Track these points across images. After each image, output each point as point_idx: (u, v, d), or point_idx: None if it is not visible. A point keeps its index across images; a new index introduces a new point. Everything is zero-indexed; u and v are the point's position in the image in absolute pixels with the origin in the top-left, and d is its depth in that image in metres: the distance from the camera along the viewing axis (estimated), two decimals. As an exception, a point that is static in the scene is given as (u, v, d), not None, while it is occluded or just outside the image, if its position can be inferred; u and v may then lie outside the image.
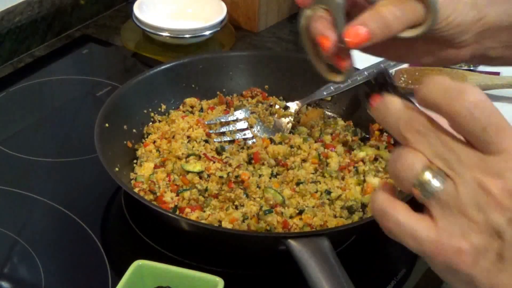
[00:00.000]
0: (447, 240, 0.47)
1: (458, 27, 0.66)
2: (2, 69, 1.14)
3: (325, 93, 0.99)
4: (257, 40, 1.24)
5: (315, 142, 0.93)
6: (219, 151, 0.91)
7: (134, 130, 0.94)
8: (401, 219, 0.48)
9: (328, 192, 0.85)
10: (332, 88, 0.98)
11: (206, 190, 0.84)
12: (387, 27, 0.62)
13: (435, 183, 0.47)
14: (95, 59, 1.21)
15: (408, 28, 0.63)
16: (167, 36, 1.17)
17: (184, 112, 0.98)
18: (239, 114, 0.97)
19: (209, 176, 0.86)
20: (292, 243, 0.71)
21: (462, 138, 0.47)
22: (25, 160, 0.96)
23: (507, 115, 1.06)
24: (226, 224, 0.80)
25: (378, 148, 0.92)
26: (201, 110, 0.98)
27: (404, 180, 0.48)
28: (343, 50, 0.64)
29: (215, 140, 0.93)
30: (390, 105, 0.49)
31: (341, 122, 0.99)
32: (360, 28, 0.61)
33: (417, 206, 0.49)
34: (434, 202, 0.47)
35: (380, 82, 0.54)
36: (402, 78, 1.07)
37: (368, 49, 0.68)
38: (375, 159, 0.91)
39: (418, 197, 0.48)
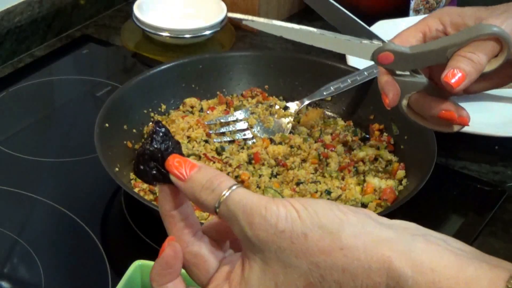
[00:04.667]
0: None
1: None
2: (2, 69, 1.14)
3: (325, 93, 0.98)
4: (257, 40, 1.23)
5: (315, 142, 0.93)
6: (219, 151, 0.91)
7: (134, 130, 0.94)
8: None
9: (328, 192, 0.85)
10: (332, 88, 0.98)
11: (206, 190, 0.84)
12: (477, 65, 0.70)
13: None
14: (95, 59, 1.21)
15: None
16: (167, 36, 1.17)
17: (184, 112, 0.98)
18: (239, 114, 0.97)
19: (209, 176, 0.86)
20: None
21: None
22: (25, 160, 0.96)
23: (507, 115, 1.05)
24: (226, 224, 0.80)
25: (378, 148, 0.92)
26: (201, 110, 0.98)
27: None
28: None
29: (215, 140, 0.93)
30: None
31: (341, 122, 0.99)
32: (455, 70, 0.70)
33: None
34: None
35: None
36: None
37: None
38: (375, 159, 0.91)
39: None
